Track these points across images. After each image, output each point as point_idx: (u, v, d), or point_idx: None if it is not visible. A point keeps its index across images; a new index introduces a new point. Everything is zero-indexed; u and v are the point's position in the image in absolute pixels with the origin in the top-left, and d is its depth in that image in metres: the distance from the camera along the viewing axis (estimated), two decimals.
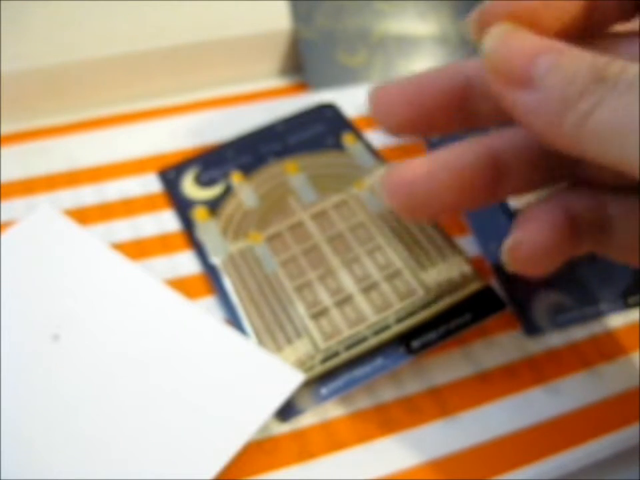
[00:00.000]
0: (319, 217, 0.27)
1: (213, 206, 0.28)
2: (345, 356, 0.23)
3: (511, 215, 0.27)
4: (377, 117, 0.20)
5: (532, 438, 0.22)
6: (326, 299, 0.25)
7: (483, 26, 0.18)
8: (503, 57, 0.17)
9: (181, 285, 0.25)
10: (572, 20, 0.18)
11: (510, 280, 0.26)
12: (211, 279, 0.26)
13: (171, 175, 0.29)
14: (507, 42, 0.17)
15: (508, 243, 0.20)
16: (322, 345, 0.23)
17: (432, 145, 0.30)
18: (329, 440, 0.22)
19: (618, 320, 0.25)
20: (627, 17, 0.19)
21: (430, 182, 0.19)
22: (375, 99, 0.20)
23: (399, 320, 0.24)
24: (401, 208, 0.20)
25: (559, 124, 0.16)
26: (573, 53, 0.16)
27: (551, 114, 0.16)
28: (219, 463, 0.21)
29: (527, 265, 0.20)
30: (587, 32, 0.19)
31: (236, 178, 0.29)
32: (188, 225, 0.27)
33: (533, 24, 0.18)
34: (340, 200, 0.28)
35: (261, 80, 0.35)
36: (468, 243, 0.27)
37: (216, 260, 0.26)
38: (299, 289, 0.25)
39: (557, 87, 0.16)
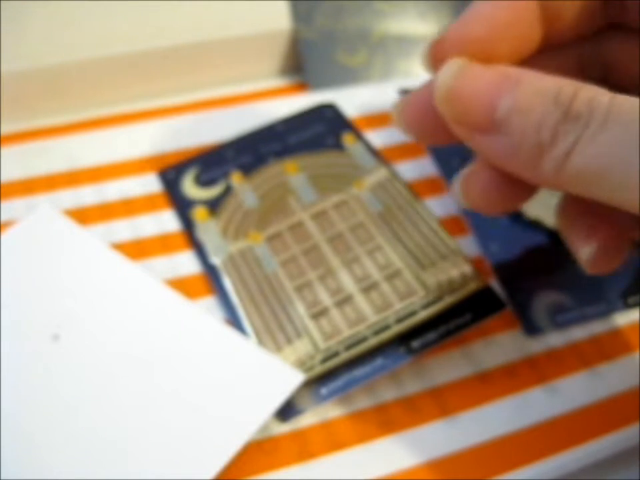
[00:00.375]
0: (319, 216, 0.27)
1: (213, 206, 0.28)
2: (344, 356, 0.23)
3: (511, 215, 0.27)
4: (406, 131, 0.19)
5: (532, 438, 0.22)
6: (326, 299, 0.25)
7: (437, 60, 0.17)
8: (458, 101, 0.16)
9: (181, 285, 0.25)
10: (529, 41, 0.17)
11: (510, 280, 0.26)
12: (211, 278, 0.26)
13: (170, 175, 0.29)
14: (460, 83, 0.16)
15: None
16: (322, 345, 0.23)
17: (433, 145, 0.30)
18: (329, 440, 0.22)
19: (618, 320, 0.25)
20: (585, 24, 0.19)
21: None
22: (402, 111, 0.19)
23: (399, 320, 0.24)
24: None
25: (535, 168, 0.15)
26: (533, 85, 0.15)
27: (525, 160, 0.15)
28: (219, 463, 0.21)
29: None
30: (548, 46, 0.18)
31: (236, 178, 0.29)
32: (188, 225, 0.27)
33: (487, 53, 0.17)
34: (340, 200, 0.28)
35: (261, 80, 0.35)
36: (468, 243, 0.27)
37: (216, 260, 0.26)
38: (299, 289, 0.25)
39: (526, 132, 0.15)
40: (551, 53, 0.19)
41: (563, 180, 0.15)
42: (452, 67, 0.16)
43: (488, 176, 0.18)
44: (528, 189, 0.19)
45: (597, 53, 0.20)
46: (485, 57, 0.17)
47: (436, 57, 0.17)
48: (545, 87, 0.15)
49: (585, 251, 0.19)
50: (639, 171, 0.14)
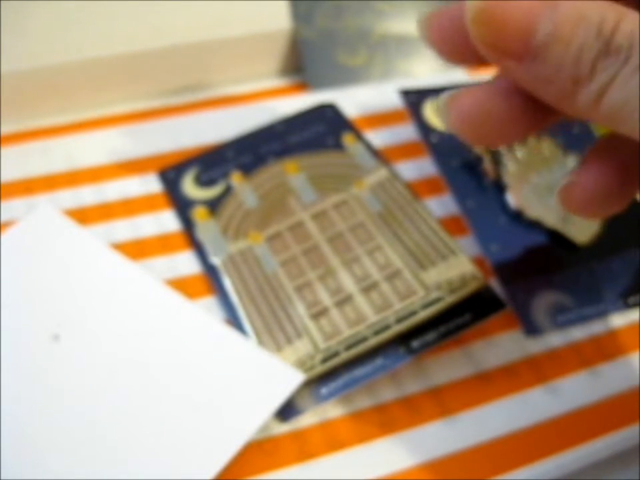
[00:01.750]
0: (319, 217, 0.27)
1: (213, 206, 0.28)
2: (344, 356, 0.23)
3: (511, 215, 0.27)
4: (432, 46, 0.18)
5: (532, 438, 0.22)
6: (326, 298, 0.25)
7: None
8: (492, 24, 0.15)
9: (181, 285, 0.25)
10: None
11: (510, 280, 0.26)
12: (211, 279, 0.26)
13: (170, 175, 0.29)
14: (495, 3, 0.15)
15: (562, 183, 0.19)
16: (322, 345, 0.23)
17: (433, 146, 0.30)
18: (329, 440, 0.22)
19: (618, 320, 0.25)
20: None
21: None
22: (428, 27, 0.18)
23: (399, 320, 0.24)
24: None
25: (570, 99, 0.15)
26: (574, 10, 0.14)
27: (560, 90, 0.15)
28: (219, 463, 0.21)
29: (580, 207, 0.18)
30: None
31: (236, 178, 0.29)
32: (188, 225, 0.27)
33: None
34: (340, 200, 0.28)
35: (261, 80, 0.35)
36: (468, 243, 0.27)
37: (216, 260, 0.26)
38: (299, 289, 0.25)
39: (564, 63, 0.14)
40: None
41: (598, 115, 0.15)
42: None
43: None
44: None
45: None
46: None
47: None
48: (586, 14, 0.14)
49: (569, 178, 0.19)
50: None
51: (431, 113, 0.30)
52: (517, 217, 0.27)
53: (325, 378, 0.23)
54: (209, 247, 0.27)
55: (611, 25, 0.14)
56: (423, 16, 0.18)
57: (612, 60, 0.14)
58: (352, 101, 0.32)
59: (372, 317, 0.24)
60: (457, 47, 0.18)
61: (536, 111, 0.17)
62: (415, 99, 0.31)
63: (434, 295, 0.24)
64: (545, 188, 0.28)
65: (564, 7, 0.15)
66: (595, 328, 0.25)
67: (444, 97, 0.18)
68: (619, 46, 0.14)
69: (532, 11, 0.15)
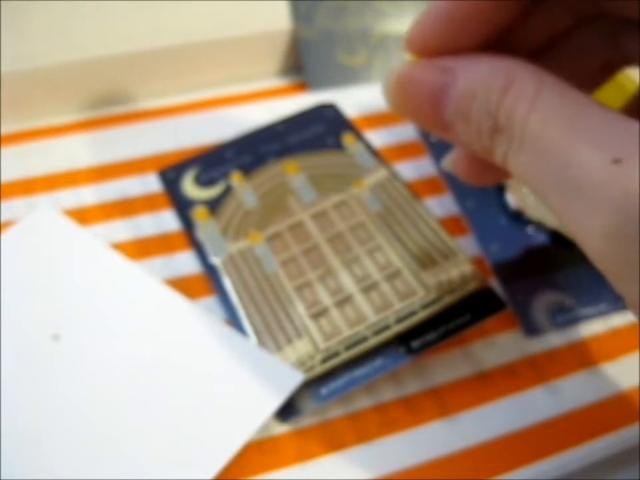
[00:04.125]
0: (319, 217, 0.27)
1: (213, 206, 0.28)
2: (344, 356, 0.23)
3: (511, 215, 0.27)
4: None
5: (532, 438, 0.22)
6: (326, 298, 0.25)
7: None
8: (409, 109, 0.16)
9: (181, 285, 0.25)
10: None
11: (510, 280, 0.26)
12: (211, 278, 0.26)
13: (171, 175, 0.29)
14: (405, 89, 0.16)
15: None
16: (322, 344, 0.23)
17: (432, 146, 0.30)
18: (329, 440, 0.22)
19: (618, 320, 0.25)
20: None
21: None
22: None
23: (399, 320, 0.24)
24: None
25: (492, 158, 0.16)
26: (468, 84, 0.15)
27: (479, 151, 0.16)
28: (219, 463, 0.21)
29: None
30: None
31: (236, 178, 0.29)
32: (188, 225, 0.27)
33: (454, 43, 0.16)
34: (340, 200, 0.28)
35: (261, 80, 0.35)
36: (468, 243, 0.27)
37: (216, 260, 0.26)
38: (299, 289, 0.25)
39: (470, 137, 0.16)
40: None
41: (512, 174, 0.16)
42: (393, 75, 0.17)
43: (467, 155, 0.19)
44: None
45: None
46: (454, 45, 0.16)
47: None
48: (477, 91, 0.15)
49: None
50: (555, 200, 0.14)
51: None
52: (517, 217, 0.27)
53: (324, 378, 0.23)
54: (208, 247, 0.27)
55: (495, 99, 0.15)
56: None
57: (502, 137, 0.15)
58: (352, 101, 0.32)
59: (372, 317, 0.24)
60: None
61: None
62: None
63: (434, 294, 0.24)
64: None
65: (461, 81, 0.16)
66: (595, 328, 0.25)
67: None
68: (502, 126, 0.15)
69: (436, 89, 0.16)
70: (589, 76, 0.19)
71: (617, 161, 0.13)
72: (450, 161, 0.20)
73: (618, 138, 0.13)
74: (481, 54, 0.16)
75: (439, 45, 0.17)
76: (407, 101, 0.17)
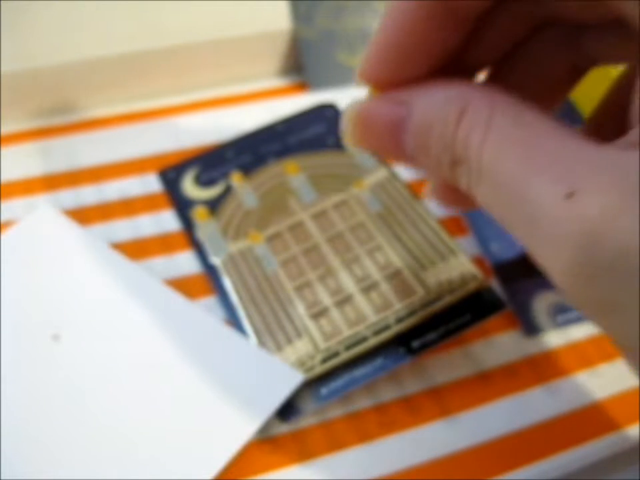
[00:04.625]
0: (319, 217, 0.27)
1: (213, 206, 0.28)
2: (344, 356, 0.23)
3: None
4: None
5: (532, 438, 0.22)
6: (326, 298, 0.25)
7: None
8: (371, 142, 0.17)
9: (181, 285, 0.25)
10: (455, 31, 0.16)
11: (510, 280, 0.26)
12: (211, 278, 0.26)
13: (171, 175, 0.29)
14: (365, 126, 0.16)
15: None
16: (322, 344, 0.23)
17: None
18: (329, 440, 0.22)
19: None
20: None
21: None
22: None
23: (399, 320, 0.24)
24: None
25: (457, 185, 0.16)
26: (422, 119, 0.15)
27: (447, 180, 0.16)
28: (219, 463, 0.21)
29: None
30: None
31: (236, 178, 0.29)
32: (188, 225, 0.27)
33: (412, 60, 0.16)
34: (340, 200, 0.28)
35: (261, 80, 0.35)
36: (468, 243, 0.27)
37: (216, 260, 0.26)
38: (299, 289, 0.25)
39: (432, 168, 0.16)
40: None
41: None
42: (351, 112, 0.17)
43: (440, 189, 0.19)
44: None
45: None
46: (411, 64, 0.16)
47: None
48: (432, 123, 0.15)
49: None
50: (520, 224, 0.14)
51: None
52: None
53: (324, 378, 0.23)
54: (208, 246, 0.27)
55: (451, 130, 0.15)
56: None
57: (461, 168, 0.15)
58: (352, 101, 0.32)
59: (372, 317, 0.24)
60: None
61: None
62: None
63: (434, 294, 0.24)
64: None
65: (416, 114, 0.15)
66: (594, 328, 0.25)
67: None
68: (460, 157, 0.15)
69: (393, 124, 0.16)
70: (556, 82, 0.19)
71: (570, 195, 0.13)
72: (430, 190, 0.20)
73: (572, 166, 0.13)
74: (436, 82, 0.16)
75: (389, 74, 0.17)
76: (367, 136, 0.17)
